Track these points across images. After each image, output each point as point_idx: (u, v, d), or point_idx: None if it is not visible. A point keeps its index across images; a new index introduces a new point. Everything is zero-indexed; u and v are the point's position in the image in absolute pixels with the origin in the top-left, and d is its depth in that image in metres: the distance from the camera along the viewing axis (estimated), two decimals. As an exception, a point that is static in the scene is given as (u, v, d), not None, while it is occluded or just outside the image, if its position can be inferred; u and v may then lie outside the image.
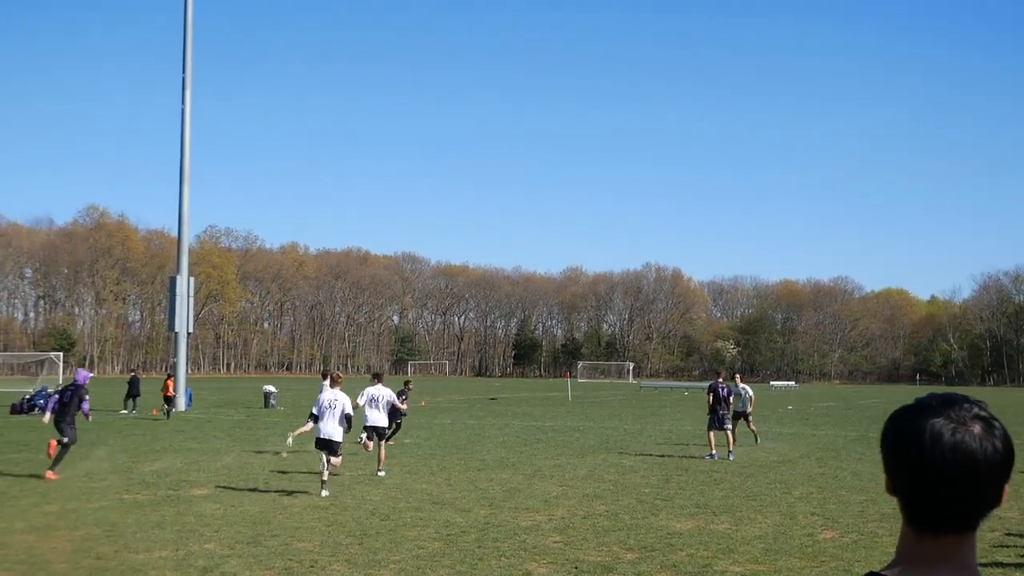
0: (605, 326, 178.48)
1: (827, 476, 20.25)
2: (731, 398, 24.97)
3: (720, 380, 25.04)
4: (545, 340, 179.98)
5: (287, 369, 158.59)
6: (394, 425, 22.28)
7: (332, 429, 17.13)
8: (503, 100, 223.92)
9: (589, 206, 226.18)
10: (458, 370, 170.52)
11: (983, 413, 1.94)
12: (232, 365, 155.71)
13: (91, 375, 22.63)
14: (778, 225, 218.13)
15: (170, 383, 40.84)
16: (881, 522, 14.52)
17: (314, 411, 17.49)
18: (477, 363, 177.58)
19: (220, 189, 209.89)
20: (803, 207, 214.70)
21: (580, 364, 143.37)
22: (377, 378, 20.55)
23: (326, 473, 16.84)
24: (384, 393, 19.88)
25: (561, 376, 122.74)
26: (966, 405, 1.93)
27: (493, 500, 16.14)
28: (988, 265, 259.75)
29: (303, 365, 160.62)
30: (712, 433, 24.00)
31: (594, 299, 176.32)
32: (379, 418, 19.60)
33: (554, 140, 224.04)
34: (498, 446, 26.18)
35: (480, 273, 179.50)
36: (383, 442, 19.95)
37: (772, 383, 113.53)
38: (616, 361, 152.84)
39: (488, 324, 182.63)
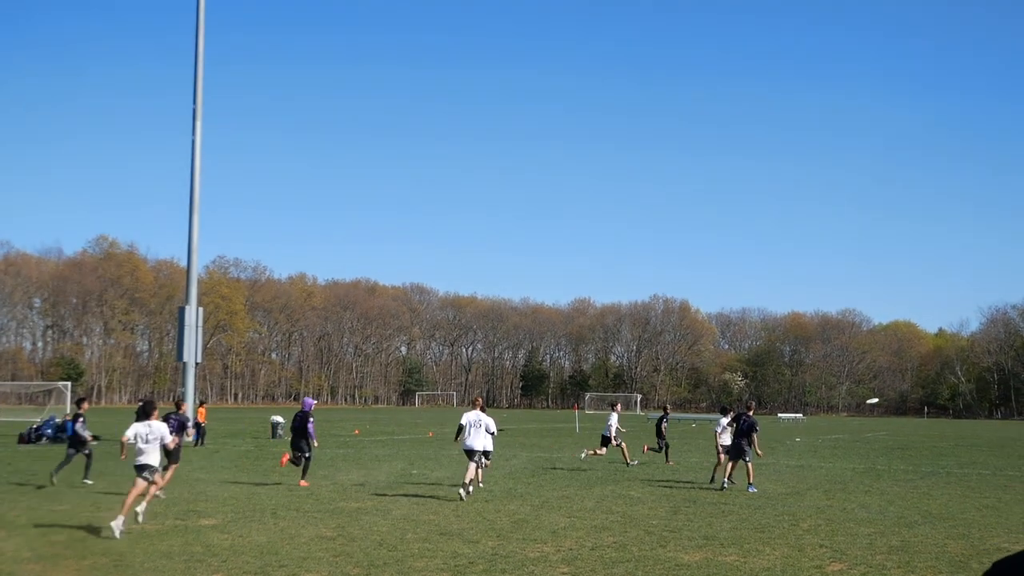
0: (613, 358, 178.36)
1: (835, 508, 20.20)
2: (752, 432, 24.80)
3: (750, 412, 24.96)
4: (553, 371, 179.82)
5: (295, 399, 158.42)
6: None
7: (474, 441, 21.47)
8: (511, 131, 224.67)
9: (598, 238, 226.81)
10: (466, 401, 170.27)
11: None
12: (240, 395, 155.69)
13: (314, 402, 24.92)
14: (786, 257, 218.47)
15: (202, 411, 41.71)
16: (889, 554, 14.48)
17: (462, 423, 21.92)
18: (485, 394, 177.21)
19: (229, 219, 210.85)
20: (811, 239, 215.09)
21: (588, 395, 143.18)
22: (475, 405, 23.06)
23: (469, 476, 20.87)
24: (484, 419, 22.05)
25: (569, 408, 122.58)
26: None
27: (501, 531, 16.11)
28: (996, 298, 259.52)
29: (311, 396, 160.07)
30: (731, 463, 24.05)
31: (602, 331, 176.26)
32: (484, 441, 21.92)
33: (563, 171, 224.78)
34: (506, 477, 26.16)
35: (488, 304, 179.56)
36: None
37: (780, 415, 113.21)
38: (623, 392, 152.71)
39: (496, 355, 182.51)
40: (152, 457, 16.64)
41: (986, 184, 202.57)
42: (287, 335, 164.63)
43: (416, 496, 21.25)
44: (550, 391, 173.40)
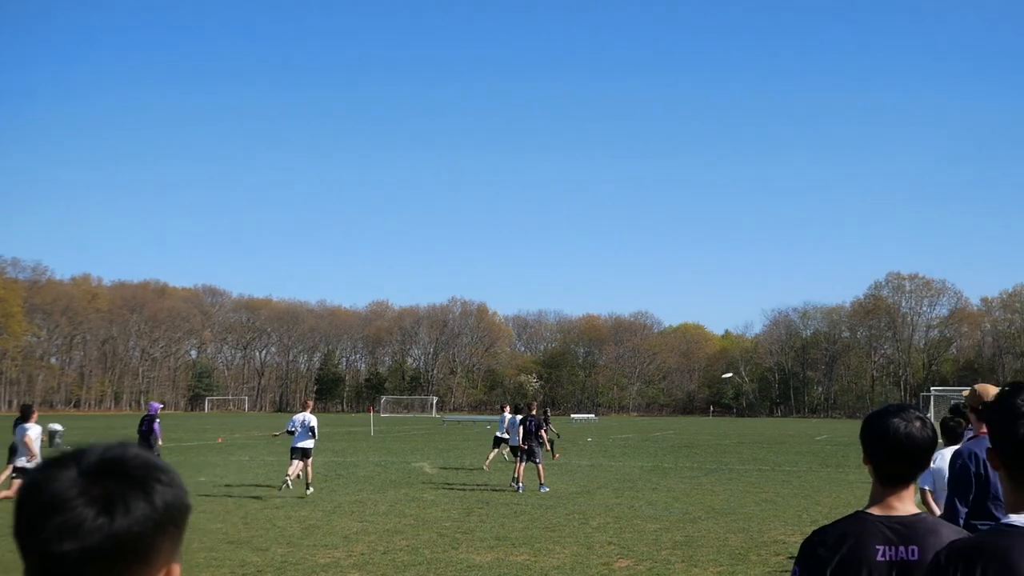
0: (410, 360, 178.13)
1: (623, 506, 20.65)
2: (541, 431, 25.25)
3: (533, 413, 25.44)
4: (349, 374, 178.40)
5: (75, 406, 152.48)
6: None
7: (299, 441, 23.44)
8: (313, 130, 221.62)
9: (396, 240, 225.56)
10: (258, 405, 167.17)
11: (919, 415, 3.35)
12: (14, 402, 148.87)
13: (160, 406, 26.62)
14: (581, 261, 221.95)
15: None
16: (674, 549, 14.88)
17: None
18: (278, 398, 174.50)
19: (6, 218, 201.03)
20: (605, 244, 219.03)
21: (384, 398, 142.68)
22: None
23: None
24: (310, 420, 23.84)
25: (365, 411, 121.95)
26: (911, 410, 3.38)
27: (291, 538, 15.88)
28: (777, 301, 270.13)
29: (92, 402, 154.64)
30: (522, 466, 24.34)
31: (399, 333, 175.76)
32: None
33: (360, 173, 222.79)
34: (297, 482, 25.80)
35: (284, 306, 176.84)
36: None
37: (573, 416, 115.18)
38: (420, 395, 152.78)
39: (291, 358, 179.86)
40: None
41: (763, 193, 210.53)
42: (69, 339, 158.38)
43: (202, 504, 20.76)
44: (346, 394, 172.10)
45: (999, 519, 6.79)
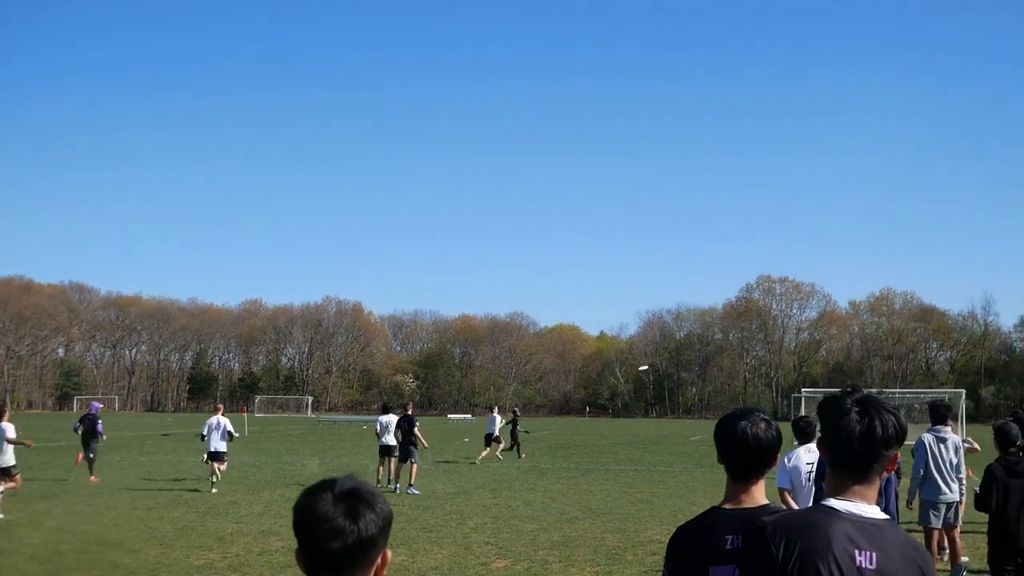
0: (284, 359, 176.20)
1: (501, 506, 20.74)
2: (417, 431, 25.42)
3: (409, 414, 25.78)
4: (222, 374, 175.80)
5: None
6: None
7: (216, 444, 24.53)
8: (184, 120, 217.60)
9: (269, 238, 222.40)
10: (129, 405, 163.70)
11: (765, 417, 3.85)
12: None
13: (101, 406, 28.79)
14: (456, 261, 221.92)
15: None
16: (551, 549, 15.00)
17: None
18: (149, 397, 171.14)
19: None
20: (479, 244, 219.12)
21: (258, 398, 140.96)
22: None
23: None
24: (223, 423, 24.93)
25: (239, 411, 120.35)
26: (757, 413, 3.90)
27: (164, 539, 15.61)
28: (652, 303, 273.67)
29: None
30: (399, 466, 24.48)
31: (273, 332, 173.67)
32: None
33: (236, 167, 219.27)
34: (170, 483, 25.38)
35: (154, 304, 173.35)
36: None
37: (450, 416, 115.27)
38: (295, 395, 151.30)
39: (161, 357, 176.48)
40: None
41: (636, 194, 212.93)
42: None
43: (72, 505, 20.30)
44: (219, 394, 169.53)
45: None
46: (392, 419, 26.54)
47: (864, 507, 3.10)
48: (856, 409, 3.17)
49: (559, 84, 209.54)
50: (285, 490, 23.69)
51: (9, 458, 19.60)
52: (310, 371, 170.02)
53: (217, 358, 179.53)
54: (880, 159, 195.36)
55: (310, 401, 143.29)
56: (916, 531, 14.44)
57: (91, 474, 26.56)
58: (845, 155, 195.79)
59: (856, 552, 2.98)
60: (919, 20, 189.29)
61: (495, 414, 38.57)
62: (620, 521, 18.60)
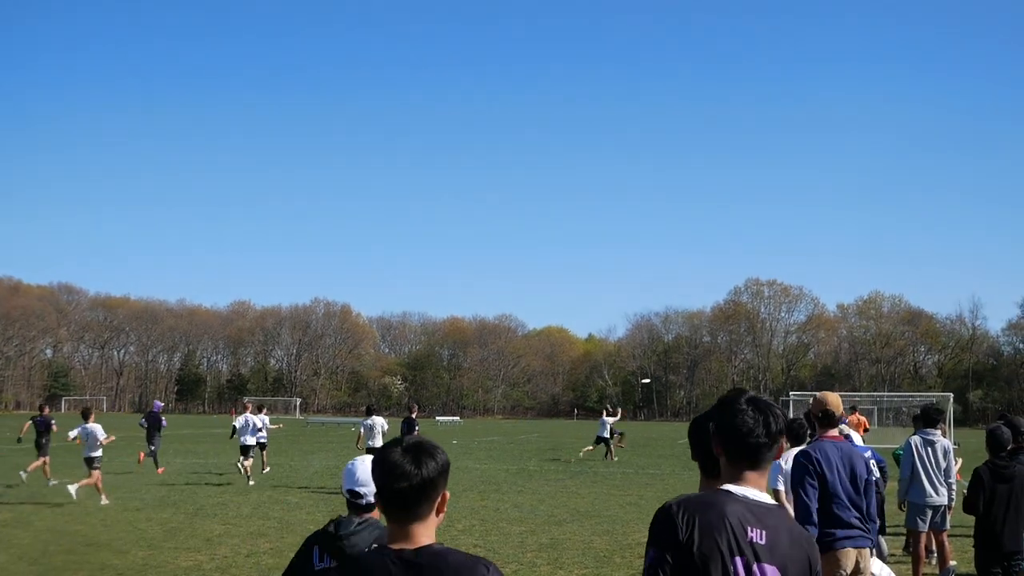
0: (272, 361, 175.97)
1: (489, 509, 20.74)
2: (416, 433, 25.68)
3: (413, 416, 26.18)
4: (210, 375, 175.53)
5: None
6: None
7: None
8: (175, 122, 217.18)
9: (257, 239, 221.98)
10: (117, 406, 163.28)
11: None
12: None
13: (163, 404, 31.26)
14: (445, 263, 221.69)
15: None
16: (539, 552, 15.01)
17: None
18: (137, 398, 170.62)
19: None
20: (468, 245, 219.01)
21: (246, 399, 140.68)
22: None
23: None
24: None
25: (227, 412, 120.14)
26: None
27: (152, 541, 15.59)
28: (640, 306, 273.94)
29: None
30: None
31: (261, 334, 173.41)
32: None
33: (223, 167, 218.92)
34: (158, 484, 25.35)
35: (142, 305, 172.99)
36: None
37: (438, 418, 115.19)
38: (283, 396, 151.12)
39: (150, 358, 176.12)
40: None
41: (624, 197, 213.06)
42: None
43: (60, 506, 20.26)
44: (207, 395, 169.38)
45: (840, 516, 7.43)
46: (377, 421, 26.55)
47: (757, 492, 3.57)
48: (750, 408, 3.66)
49: (548, 87, 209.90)
50: (273, 492, 23.68)
51: (97, 452, 21.96)
52: (298, 373, 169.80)
53: (205, 359, 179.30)
54: (868, 163, 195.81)
55: (298, 403, 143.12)
56: (901, 534, 14.49)
57: (157, 467, 29.68)
58: (834, 158, 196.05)
59: (748, 528, 3.45)
60: (904, 25, 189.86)
61: (606, 416, 40.11)
62: (608, 524, 18.62)
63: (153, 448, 30.01)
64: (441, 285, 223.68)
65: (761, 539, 3.44)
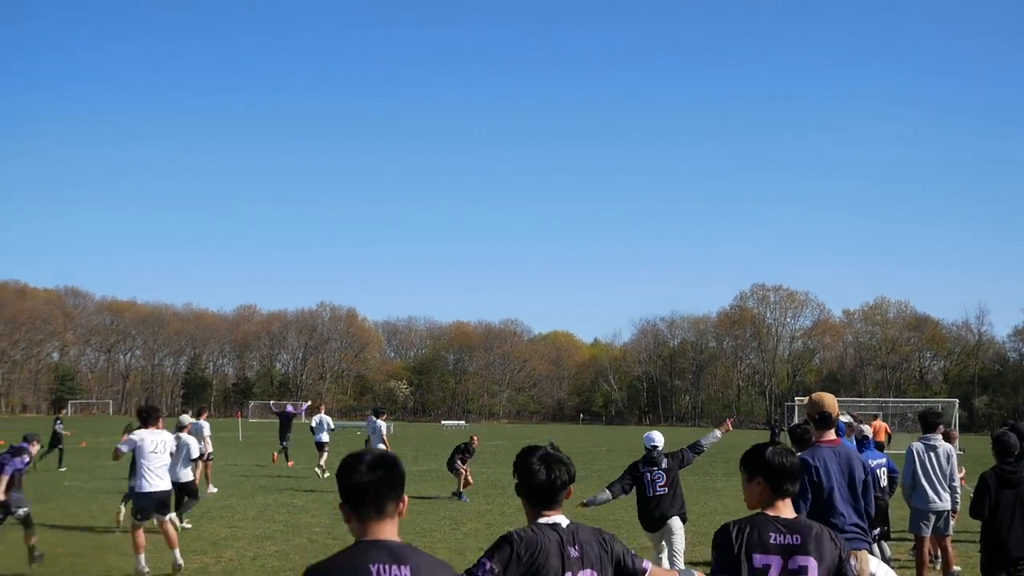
0: (278, 365, 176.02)
1: (494, 512, 20.78)
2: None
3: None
4: (216, 379, 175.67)
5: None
6: None
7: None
8: (165, 130, 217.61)
9: (263, 243, 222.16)
10: (123, 409, 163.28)
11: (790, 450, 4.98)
12: None
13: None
14: (451, 268, 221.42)
15: None
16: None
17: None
18: (144, 402, 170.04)
19: None
20: (474, 250, 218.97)
21: (252, 403, 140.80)
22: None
23: None
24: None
25: (232, 415, 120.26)
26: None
27: (158, 544, 15.60)
28: (646, 311, 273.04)
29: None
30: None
31: (267, 338, 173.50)
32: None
33: (228, 169, 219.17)
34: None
35: (148, 309, 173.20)
36: None
37: (443, 423, 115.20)
38: (289, 400, 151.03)
39: (156, 362, 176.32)
40: None
41: (629, 201, 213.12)
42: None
43: (67, 509, 20.31)
44: (213, 399, 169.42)
45: (835, 523, 7.66)
46: (380, 424, 26.82)
47: (560, 518, 4.87)
48: (542, 466, 4.93)
49: (554, 93, 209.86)
50: (279, 495, 23.73)
51: (205, 446, 23.48)
52: (304, 377, 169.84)
53: (211, 363, 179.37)
54: (875, 168, 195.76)
55: (305, 407, 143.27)
56: (907, 540, 14.50)
57: (288, 460, 33.94)
58: (840, 163, 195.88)
59: (571, 548, 4.69)
60: (911, 28, 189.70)
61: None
62: (613, 528, 18.63)
63: (284, 444, 34.57)
64: (447, 290, 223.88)
65: (578, 553, 4.71)
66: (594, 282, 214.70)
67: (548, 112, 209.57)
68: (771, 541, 4.83)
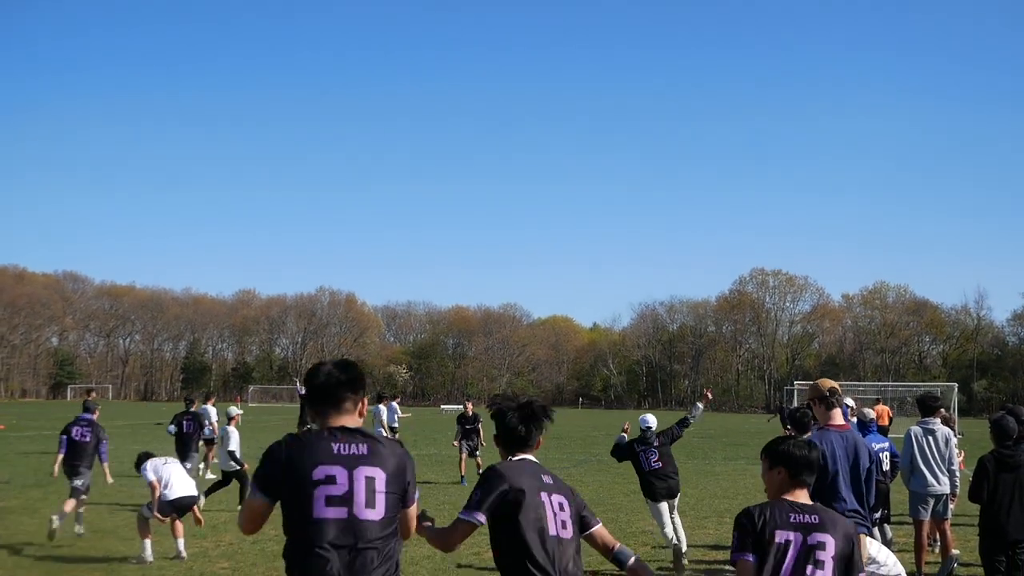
0: (278, 350, 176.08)
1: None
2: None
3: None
4: (215, 363, 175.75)
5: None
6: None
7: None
8: (162, 114, 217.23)
9: (263, 227, 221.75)
10: (122, 394, 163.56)
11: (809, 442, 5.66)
12: None
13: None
14: (450, 252, 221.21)
15: None
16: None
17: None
18: (143, 387, 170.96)
19: None
20: (473, 234, 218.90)
21: (251, 388, 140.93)
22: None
23: None
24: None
25: (232, 400, 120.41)
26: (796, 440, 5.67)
27: (158, 528, 15.62)
28: (645, 295, 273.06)
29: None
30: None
31: (266, 322, 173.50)
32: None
33: (225, 155, 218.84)
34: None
35: (147, 294, 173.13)
36: None
37: (443, 407, 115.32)
38: (288, 385, 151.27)
39: (155, 347, 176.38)
40: None
41: (628, 185, 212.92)
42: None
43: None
44: (213, 383, 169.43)
45: (836, 507, 7.82)
46: (382, 409, 27.13)
47: (532, 458, 5.77)
48: (518, 414, 5.77)
49: (553, 77, 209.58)
50: (279, 479, 23.70)
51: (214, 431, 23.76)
52: (303, 361, 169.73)
53: (211, 348, 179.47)
54: (874, 152, 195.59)
55: (303, 391, 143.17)
56: (907, 523, 14.52)
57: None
58: (839, 147, 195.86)
59: (544, 476, 5.63)
60: (911, 14, 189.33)
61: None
62: (612, 512, 18.67)
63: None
64: (446, 274, 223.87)
65: (551, 481, 5.67)
66: (593, 267, 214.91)
67: (548, 96, 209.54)
68: (791, 520, 5.29)
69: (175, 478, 14.01)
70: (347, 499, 4.62)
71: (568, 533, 5.45)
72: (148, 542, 13.28)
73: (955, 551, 12.87)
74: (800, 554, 5.23)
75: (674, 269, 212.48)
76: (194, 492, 14.28)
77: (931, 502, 12.61)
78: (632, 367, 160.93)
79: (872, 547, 8.00)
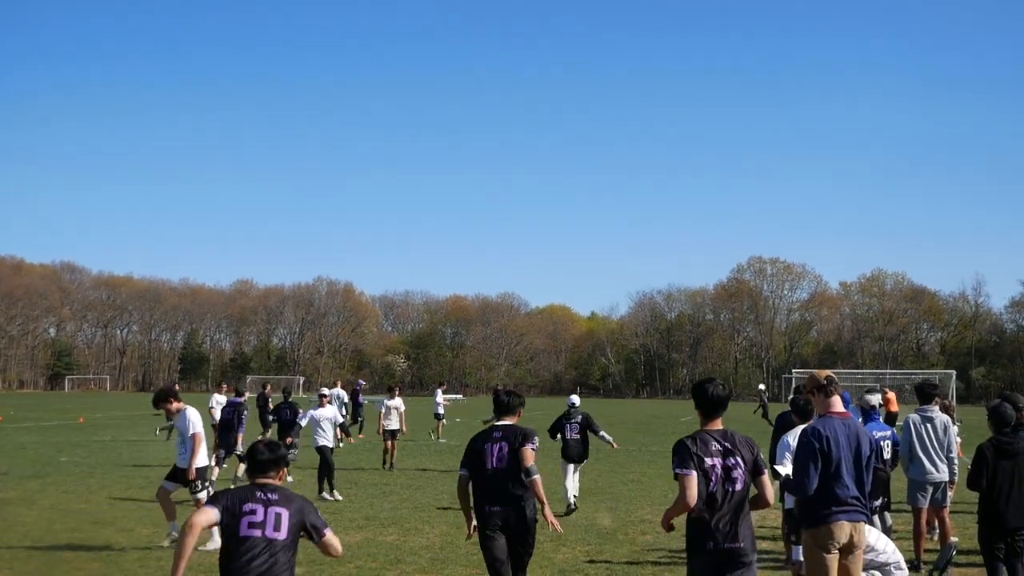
0: (275, 340, 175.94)
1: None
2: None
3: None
4: (213, 354, 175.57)
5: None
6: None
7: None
8: (161, 104, 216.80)
9: (261, 217, 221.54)
10: (120, 385, 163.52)
11: (722, 382, 7.41)
12: None
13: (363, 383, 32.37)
14: (447, 241, 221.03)
15: None
16: (542, 529, 15.01)
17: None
18: (140, 377, 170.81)
19: None
20: (470, 224, 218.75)
21: (249, 378, 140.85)
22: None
23: None
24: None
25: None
26: (717, 380, 7.39)
27: (156, 519, 15.61)
28: (642, 284, 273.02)
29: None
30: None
31: (264, 312, 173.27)
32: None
33: (221, 142, 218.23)
34: (162, 462, 25.40)
35: (145, 284, 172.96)
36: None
37: (437, 400, 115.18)
38: (287, 375, 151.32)
39: (153, 337, 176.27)
40: None
41: (626, 174, 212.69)
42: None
43: (64, 484, 20.31)
44: (210, 374, 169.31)
45: (838, 494, 7.97)
46: (397, 402, 27.14)
47: (509, 422, 9.30)
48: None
49: (550, 68, 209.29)
50: (277, 470, 23.70)
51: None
52: (301, 351, 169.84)
53: (208, 338, 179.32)
54: (871, 140, 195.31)
55: (302, 381, 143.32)
56: (906, 511, 14.51)
57: (356, 434, 36.64)
58: (836, 136, 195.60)
59: (495, 432, 9.29)
60: (905, 4, 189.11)
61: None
62: (611, 501, 18.69)
63: (362, 419, 41.37)
64: (443, 263, 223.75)
65: (500, 433, 9.34)
66: (591, 255, 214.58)
67: (545, 85, 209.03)
68: (713, 448, 7.08)
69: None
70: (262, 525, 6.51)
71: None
72: (176, 523, 13.42)
73: (954, 538, 12.85)
74: (722, 474, 6.99)
75: (672, 257, 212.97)
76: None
77: (930, 490, 12.60)
78: (630, 356, 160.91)
79: (871, 535, 8.02)
